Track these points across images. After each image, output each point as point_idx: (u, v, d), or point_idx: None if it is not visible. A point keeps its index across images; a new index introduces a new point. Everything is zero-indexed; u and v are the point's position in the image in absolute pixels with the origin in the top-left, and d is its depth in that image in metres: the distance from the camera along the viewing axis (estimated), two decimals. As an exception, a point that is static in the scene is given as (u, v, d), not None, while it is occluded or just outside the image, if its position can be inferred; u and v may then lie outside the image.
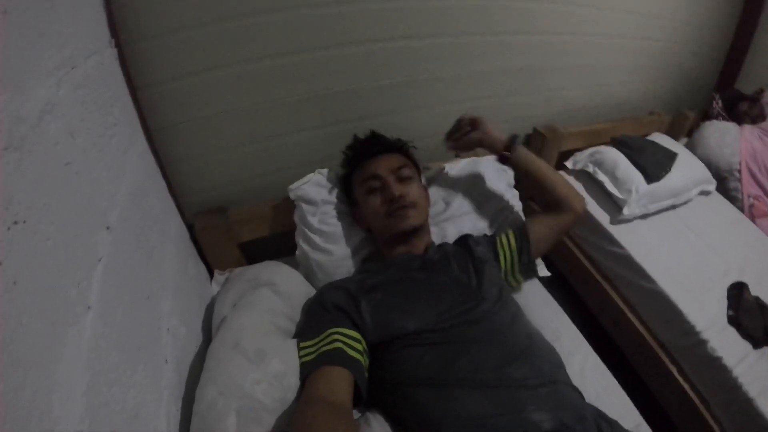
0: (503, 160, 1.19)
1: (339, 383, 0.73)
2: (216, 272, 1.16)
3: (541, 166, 1.17)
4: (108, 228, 0.63)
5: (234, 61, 1.03)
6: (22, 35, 0.52)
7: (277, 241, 1.22)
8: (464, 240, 1.09)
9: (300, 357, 0.80)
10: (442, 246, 1.08)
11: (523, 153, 1.18)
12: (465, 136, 1.16)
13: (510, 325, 0.87)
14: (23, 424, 0.40)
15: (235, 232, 1.16)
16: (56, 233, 0.50)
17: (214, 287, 1.12)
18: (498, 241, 1.11)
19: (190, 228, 1.12)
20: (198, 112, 1.05)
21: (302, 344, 0.83)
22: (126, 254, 0.67)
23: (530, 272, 1.15)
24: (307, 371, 0.77)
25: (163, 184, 1.00)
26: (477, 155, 1.33)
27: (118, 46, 0.85)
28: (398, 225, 1.02)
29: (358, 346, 0.81)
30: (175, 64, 0.97)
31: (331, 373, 0.75)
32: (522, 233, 1.12)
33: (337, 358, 0.77)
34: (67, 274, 0.51)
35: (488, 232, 1.22)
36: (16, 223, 0.44)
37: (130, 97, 0.88)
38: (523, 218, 1.26)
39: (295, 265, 1.15)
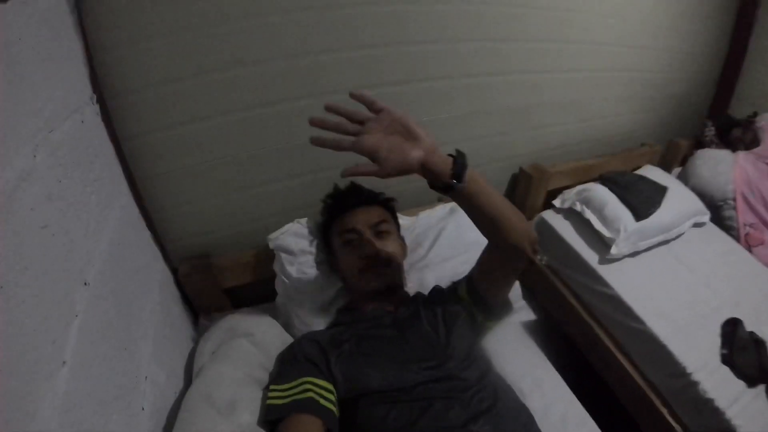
0: (446, 189, 0.78)
1: (311, 430, 0.74)
2: (201, 317, 1.18)
3: (497, 202, 0.83)
4: (86, 284, 0.65)
5: (215, 112, 1.06)
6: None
7: (262, 286, 1.22)
8: (437, 294, 1.06)
9: (269, 398, 0.81)
10: (415, 299, 1.06)
11: (475, 182, 0.79)
12: (390, 161, 0.75)
13: (477, 382, 0.86)
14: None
15: (218, 278, 1.17)
16: (31, 296, 0.52)
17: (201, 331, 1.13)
18: (456, 291, 1.03)
19: (174, 272, 1.13)
20: (182, 161, 1.08)
21: (272, 386, 0.83)
22: (103, 307, 0.69)
23: (493, 315, 1.00)
24: (277, 415, 0.78)
25: (146, 233, 1.03)
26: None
27: (101, 101, 0.87)
28: (370, 283, 1.03)
29: (330, 396, 0.82)
30: (159, 116, 1.00)
31: (303, 420, 0.75)
32: (470, 286, 1.00)
33: (308, 407, 0.77)
34: (43, 332, 0.53)
35: None
36: (-8, 288, 0.47)
37: (113, 150, 0.91)
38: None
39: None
